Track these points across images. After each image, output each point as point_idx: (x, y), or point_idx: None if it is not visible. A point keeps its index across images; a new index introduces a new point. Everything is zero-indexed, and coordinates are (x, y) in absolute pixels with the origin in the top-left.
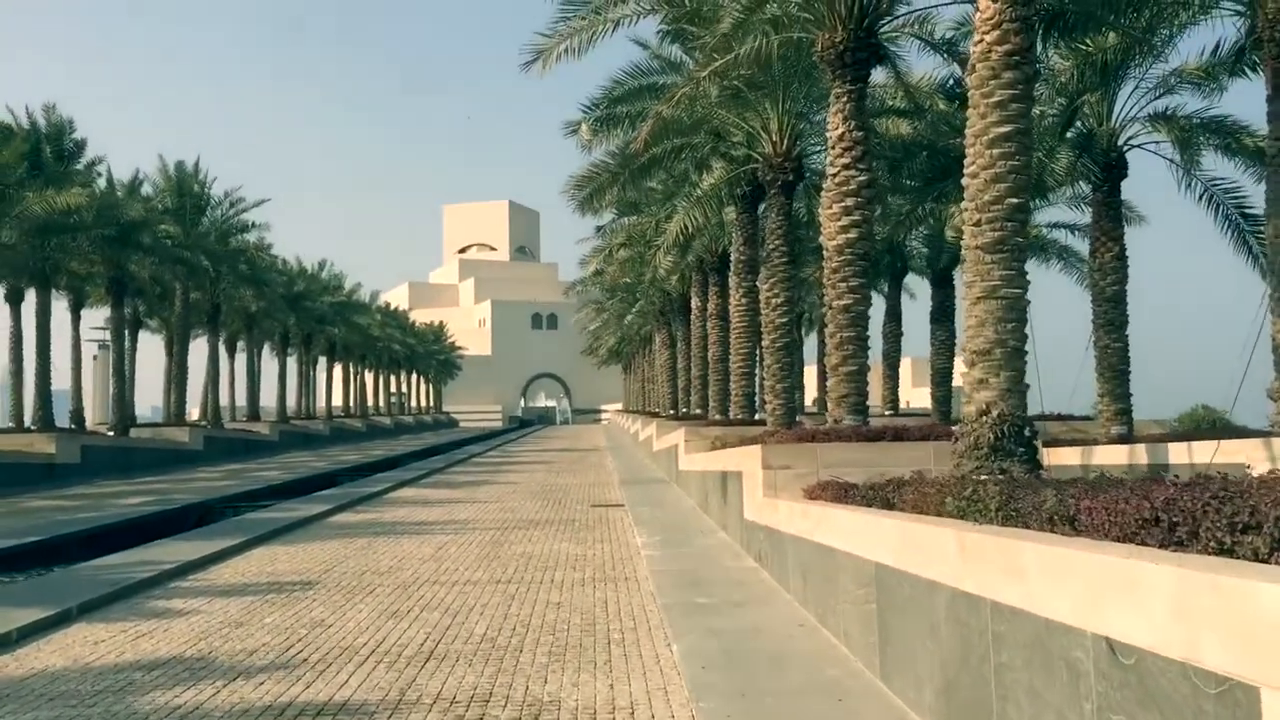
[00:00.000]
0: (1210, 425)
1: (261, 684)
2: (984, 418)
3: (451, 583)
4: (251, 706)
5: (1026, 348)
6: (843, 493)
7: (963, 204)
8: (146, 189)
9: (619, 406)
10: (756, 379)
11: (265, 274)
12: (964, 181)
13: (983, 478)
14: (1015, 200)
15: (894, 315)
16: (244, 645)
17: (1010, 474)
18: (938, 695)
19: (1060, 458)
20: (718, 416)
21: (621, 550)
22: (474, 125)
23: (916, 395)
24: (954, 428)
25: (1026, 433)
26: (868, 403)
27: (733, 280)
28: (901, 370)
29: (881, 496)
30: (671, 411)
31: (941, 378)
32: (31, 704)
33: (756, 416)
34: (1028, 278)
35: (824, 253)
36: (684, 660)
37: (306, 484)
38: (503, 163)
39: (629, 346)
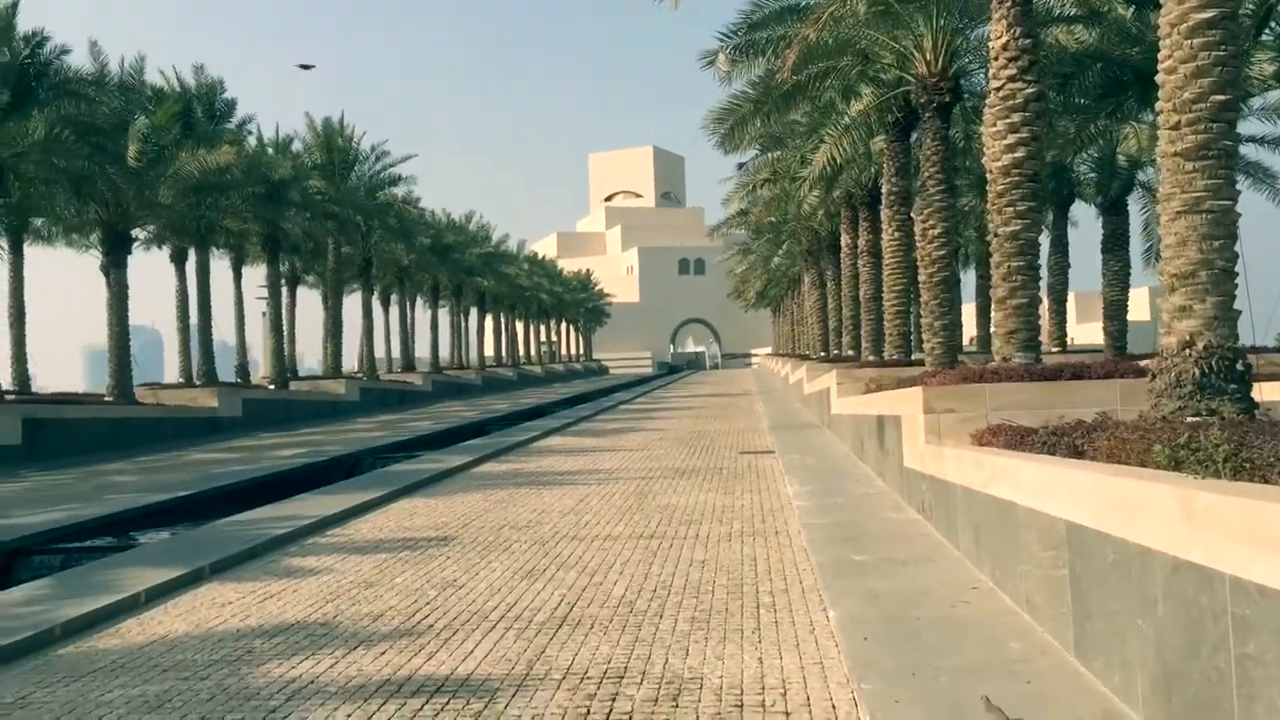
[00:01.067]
0: None
1: (382, 654)
2: (1188, 350)
3: (591, 538)
4: (369, 681)
5: (1238, 269)
6: (1018, 438)
7: (1157, 105)
8: (296, 146)
9: (768, 350)
10: (912, 317)
11: (413, 227)
12: (1159, 79)
13: (1190, 418)
14: (1221, 97)
15: (1060, 246)
16: (371, 608)
17: (1221, 415)
18: (1155, 686)
19: (1266, 394)
20: (871, 358)
21: (771, 501)
22: (619, 70)
23: (1082, 331)
24: (1145, 363)
25: (1239, 367)
26: (1038, 337)
27: (885, 214)
28: (1067, 305)
29: (1067, 443)
30: (822, 354)
31: (1115, 311)
32: (143, 675)
33: (913, 357)
34: (1238, 187)
35: (988, 175)
36: (842, 630)
37: (455, 434)
38: (648, 108)
39: (777, 289)
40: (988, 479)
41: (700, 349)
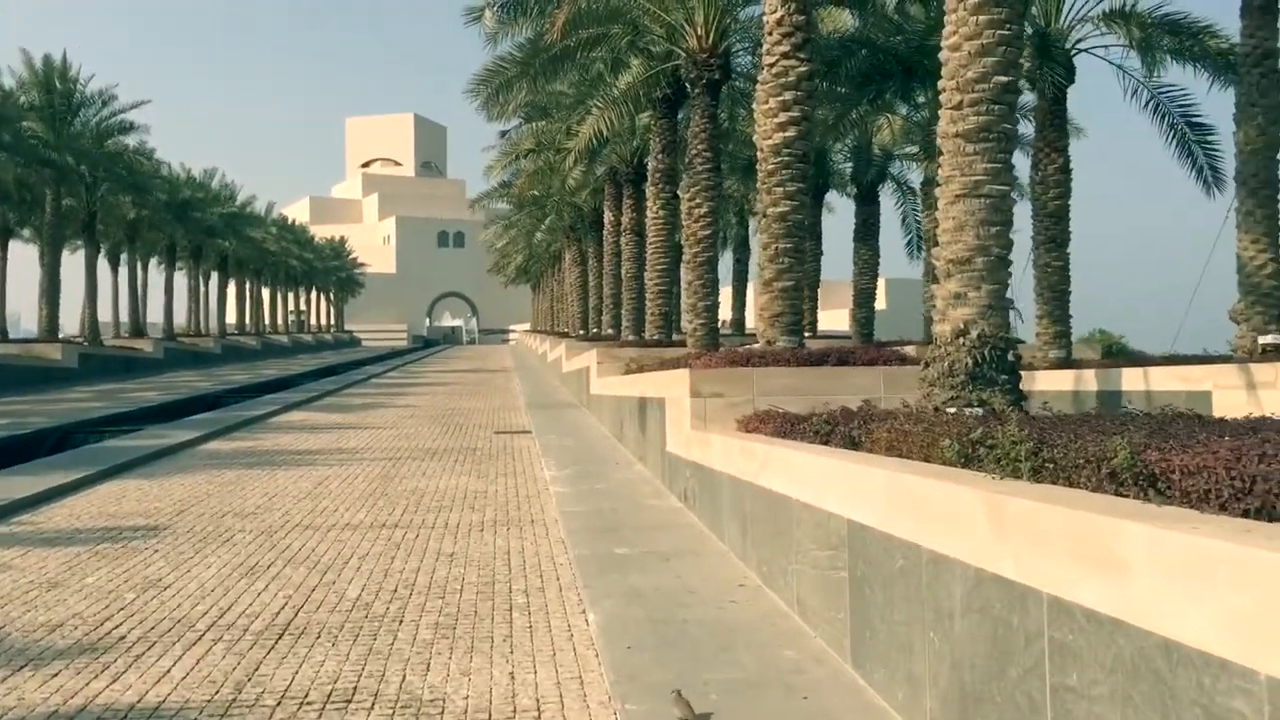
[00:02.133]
0: (1112, 350)
1: (54, 676)
2: (961, 339)
3: (327, 527)
4: (29, 714)
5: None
6: (788, 426)
7: (939, 84)
8: (7, 82)
9: (527, 327)
10: (673, 298)
11: (146, 180)
12: (942, 56)
13: (966, 409)
14: (1004, 79)
15: (814, 234)
16: (49, 616)
17: (991, 407)
18: (946, 706)
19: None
20: (631, 337)
21: (528, 485)
22: (380, 27)
23: (827, 318)
24: (906, 349)
25: (1010, 358)
26: (802, 322)
27: (650, 191)
28: (818, 292)
29: (843, 433)
30: (581, 332)
31: (864, 299)
32: None
33: (673, 338)
34: (1015, 173)
35: (758, 155)
36: (603, 637)
37: (185, 406)
38: (409, 75)
39: (538, 265)
40: (758, 469)
41: (458, 323)
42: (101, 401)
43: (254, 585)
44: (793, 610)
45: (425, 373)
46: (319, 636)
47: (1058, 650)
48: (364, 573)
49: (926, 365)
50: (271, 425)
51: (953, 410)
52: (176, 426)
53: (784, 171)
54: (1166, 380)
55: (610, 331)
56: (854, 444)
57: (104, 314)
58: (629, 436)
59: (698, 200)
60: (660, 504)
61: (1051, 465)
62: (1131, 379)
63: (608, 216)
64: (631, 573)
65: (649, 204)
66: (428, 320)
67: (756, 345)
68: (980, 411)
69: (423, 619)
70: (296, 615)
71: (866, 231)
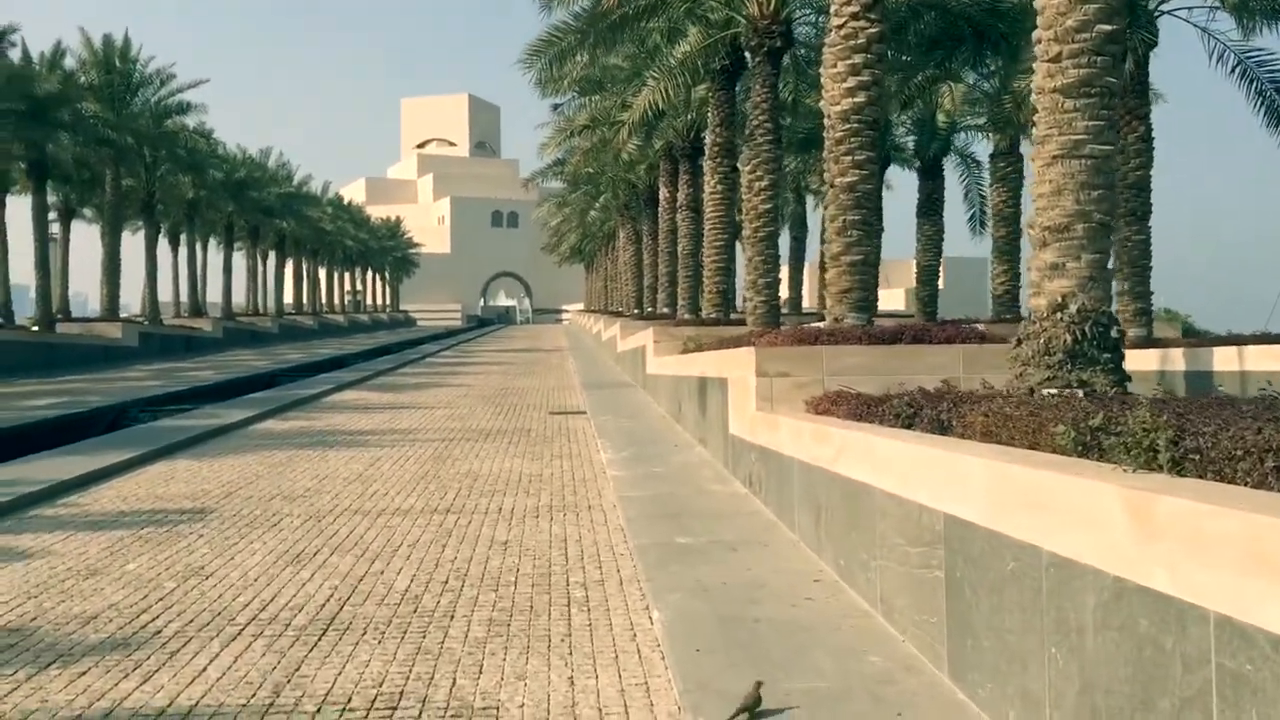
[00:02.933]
0: (1190, 330)
1: (82, 675)
2: (1059, 314)
3: (378, 512)
4: (52, 718)
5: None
6: (864, 408)
7: (1034, 35)
8: (69, 62)
9: (580, 306)
10: (730, 275)
11: (204, 160)
12: (1038, 3)
13: (1063, 392)
14: (1107, 27)
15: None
16: (85, 607)
17: (1092, 388)
18: None
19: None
20: (688, 316)
21: (584, 468)
22: (436, 15)
23: (885, 297)
24: (978, 326)
25: (1114, 334)
26: (873, 299)
27: (708, 166)
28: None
29: (930, 416)
30: (636, 311)
31: (928, 276)
32: None
33: (731, 316)
34: (1119, 131)
35: (825, 122)
36: (670, 637)
37: (240, 385)
38: (463, 58)
39: (591, 244)
40: (834, 455)
41: (511, 303)
42: (159, 380)
43: (299, 575)
44: (875, 609)
45: (479, 352)
46: (364, 633)
47: (1229, 682)
48: (413, 562)
49: (1019, 343)
50: (325, 405)
51: (1051, 392)
52: (230, 405)
53: (853, 139)
54: (1262, 360)
55: (665, 310)
56: (943, 428)
57: (164, 294)
58: (688, 417)
59: (759, 173)
60: (723, 489)
61: (1197, 456)
62: (1224, 359)
63: (663, 193)
64: (696, 564)
65: (706, 179)
66: (482, 300)
67: (822, 323)
68: (1080, 393)
69: (475, 614)
70: (342, 609)
71: (930, 207)
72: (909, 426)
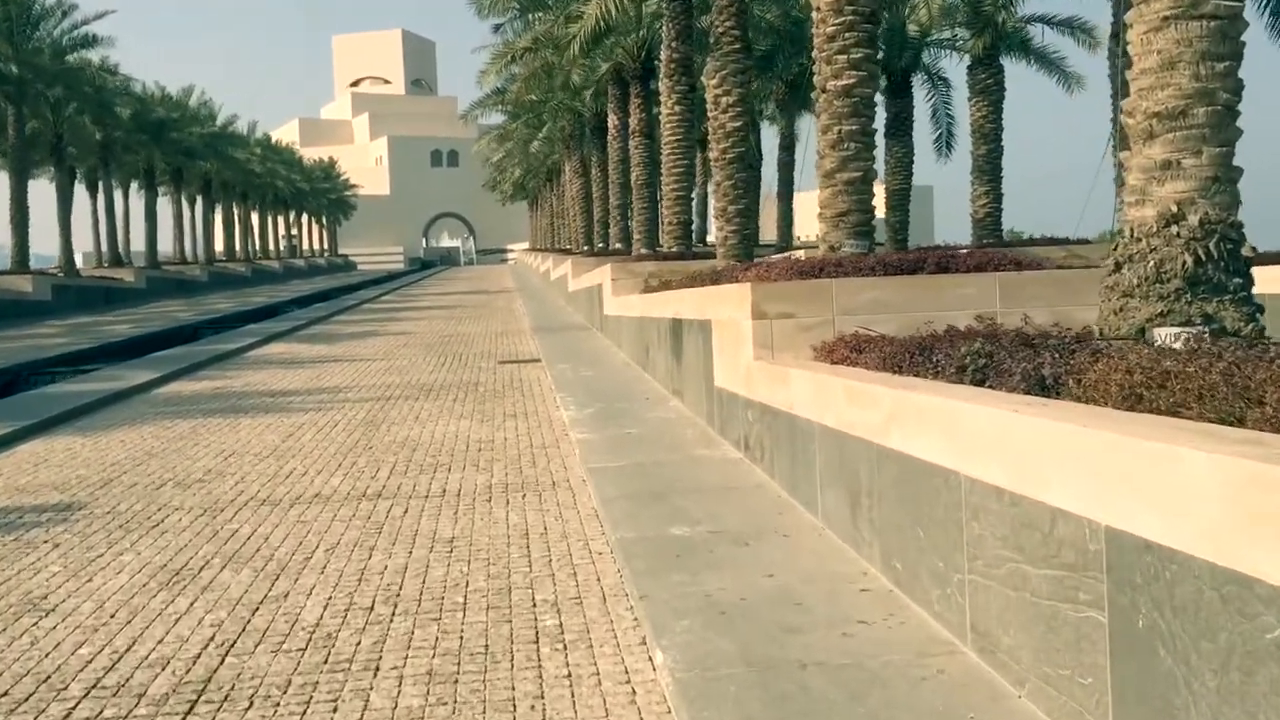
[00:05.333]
0: None
1: None
2: (1175, 228)
3: (291, 500)
4: None
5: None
6: (902, 355)
7: None
8: None
9: (526, 245)
10: (691, 205)
11: (111, 98)
12: None
13: (1184, 329)
14: None
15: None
16: None
17: (1222, 325)
18: None
19: None
20: (645, 251)
21: (543, 430)
22: None
23: None
24: (1011, 252)
25: (1244, 253)
26: (873, 223)
27: (664, 85)
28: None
29: (1026, 371)
30: (586, 248)
31: (898, 200)
32: None
33: (693, 250)
34: None
35: (814, 14)
36: (686, 701)
37: (157, 340)
38: None
39: (536, 179)
40: (884, 422)
41: (455, 244)
42: (67, 337)
43: (173, 605)
44: (962, 641)
45: (421, 295)
46: (250, 706)
47: None
48: (330, 577)
49: (1117, 268)
50: (247, 360)
51: (1171, 331)
52: (139, 365)
53: (848, 35)
54: None
55: (619, 246)
56: (1044, 387)
57: (88, 244)
58: (659, 365)
59: (726, 87)
60: (714, 454)
61: None
62: None
63: (612, 120)
64: (701, 569)
65: (663, 99)
66: (424, 242)
67: (802, 253)
68: (1206, 332)
69: (409, 665)
70: (223, 662)
71: (899, 126)
72: (981, 382)
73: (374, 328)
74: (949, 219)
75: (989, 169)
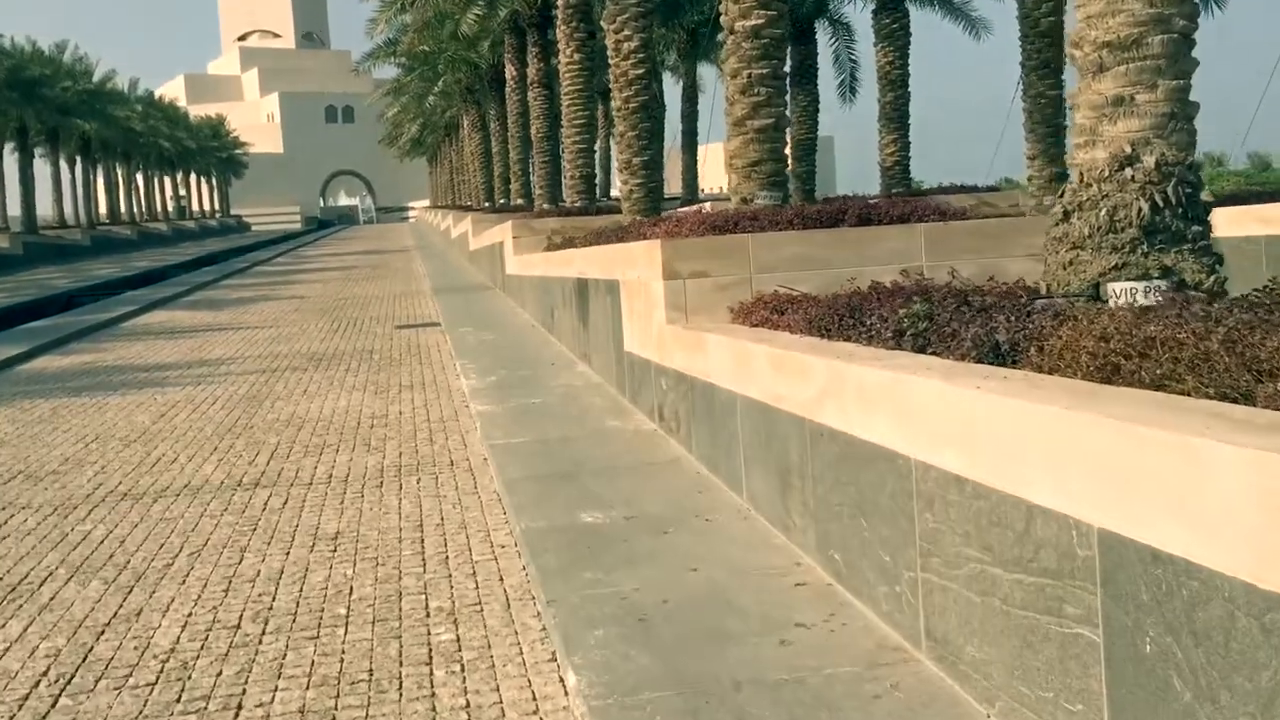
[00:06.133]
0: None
1: None
2: (1128, 170)
3: (156, 493)
4: None
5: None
6: (829, 317)
7: None
8: None
9: (427, 203)
10: (593, 158)
11: None
12: None
13: (1141, 284)
14: None
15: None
16: None
17: (1180, 278)
18: None
19: None
20: (547, 206)
21: (441, 402)
22: None
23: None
24: (933, 201)
25: (1204, 197)
26: (786, 173)
27: (562, 33)
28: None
29: (978, 336)
30: (488, 204)
31: (805, 151)
32: None
33: (597, 205)
34: None
35: None
36: None
37: (26, 310)
38: None
39: (433, 134)
40: (818, 397)
41: (354, 202)
42: None
43: (3, 632)
44: (915, 645)
45: (317, 256)
46: None
47: None
48: (191, 589)
49: (1065, 216)
50: (123, 331)
51: (1126, 286)
52: (1, 340)
53: None
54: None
55: (520, 202)
56: (999, 354)
57: None
58: (564, 328)
59: (626, 32)
60: (626, 426)
61: None
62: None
63: (509, 71)
64: (617, 564)
65: (561, 48)
66: (321, 201)
67: (708, 206)
68: (1162, 286)
69: (278, 701)
70: (54, 706)
71: (804, 74)
72: (922, 349)
73: (264, 292)
74: (849, 171)
75: (896, 116)
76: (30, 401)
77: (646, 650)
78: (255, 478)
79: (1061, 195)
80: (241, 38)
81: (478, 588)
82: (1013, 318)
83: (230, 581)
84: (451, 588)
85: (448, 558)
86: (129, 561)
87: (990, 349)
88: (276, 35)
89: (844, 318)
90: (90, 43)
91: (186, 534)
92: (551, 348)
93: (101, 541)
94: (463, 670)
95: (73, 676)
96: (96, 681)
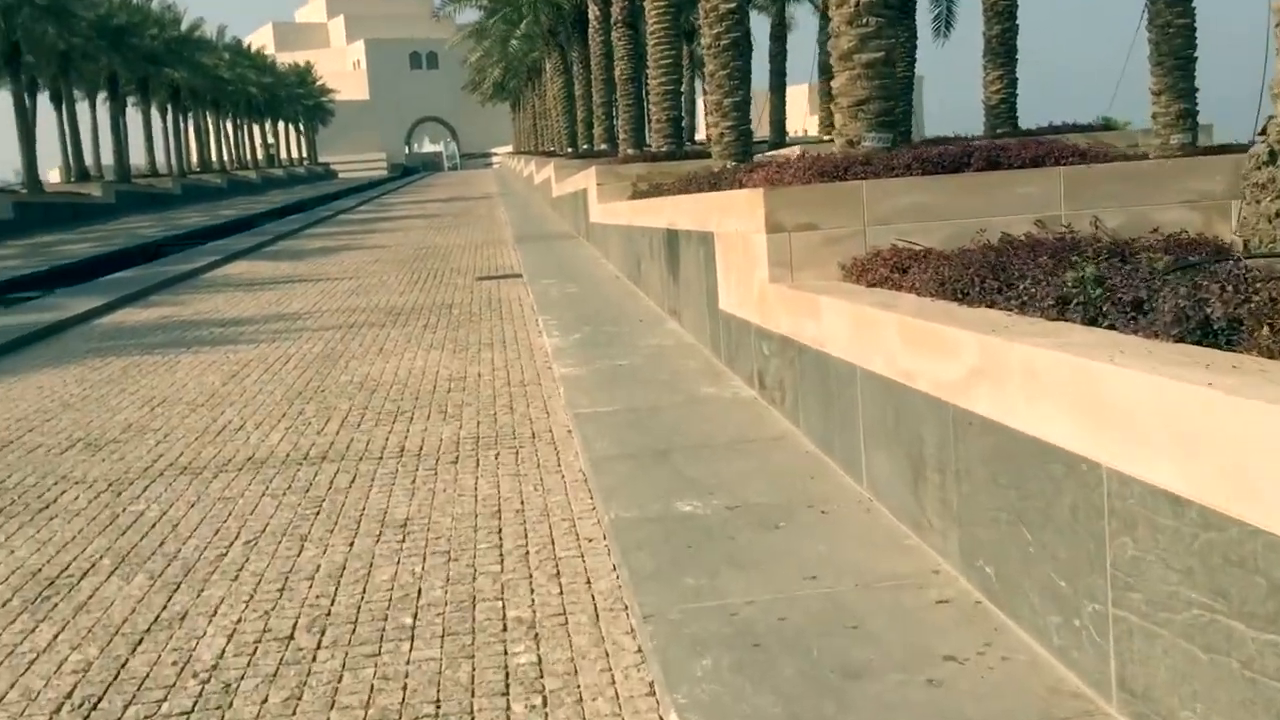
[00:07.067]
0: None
1: None
2: None
3: (219, 466)
4: None
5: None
6: (969, 278)
7: None
8: None
9: (510, 149)
10: (680, 101)
11: (70, 2)
12: None
13: None
14: None
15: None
16: None
17: None
18: None
19: None
20: (631, 151)
21: (523, 363)
22: None
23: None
24: (1067, 140)
25: None
26: (900, 113)
27: None
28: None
29: (1180, 309)
30: (570, 149)
31: (902, 90)
32: None
33: (685, 149)
34: None
35: None
36: None
37: (115, 259)
38: None
39: (516, 78)
40: (968, 378)
41: (438, 149)
42: (20, 259)
43: (30, 640)
44: (1103, 696)
45: (400, 204)
46: None
47: None
48: (243, 587)
49: (1272, 158)
50: (203, 283)
51: None
52: (86, 291)
53: None
54: None
55: (604, 147)
56: (1208, 330)
57: (60, 159)
58: (651, 282)
59: None
60: (722, 394)
61: None
62: None
63: (592, 11)
64: (721, 567)
65: None
66: (406, 148)
67: (796, 150)
68: None
69: None
70: None
71: (902, 8)
72: (1094, 321)
73: (345, 242)
74: (936, 111)
75: (1003, 51)
76: (102, 360)
77: (765, 687)
78: (323, 450)
79: (1263, 132)
80: None
81: (562, 593)
82: (1229, 286)
83: (287, 579)
84: (532, 592)
85: (528, 553)
86: (179, 551)
87: (1197, 325)
88: None
89: (985, 279)
90: None
91: (245, 517)
92: (638, 302)
93: (153, 525)
94: (545, 703)
95: (100, 700)
96: (126, 707)
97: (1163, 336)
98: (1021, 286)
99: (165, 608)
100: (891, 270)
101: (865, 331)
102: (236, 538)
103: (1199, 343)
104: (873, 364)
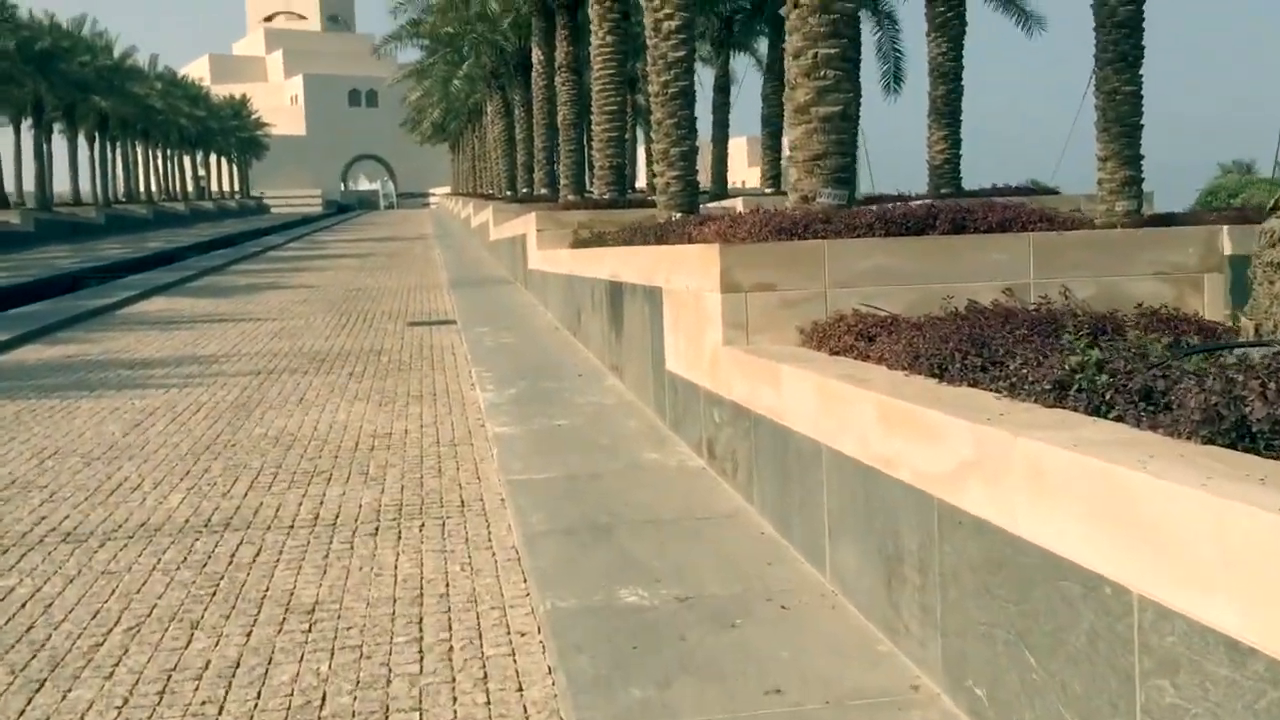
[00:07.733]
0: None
1: None
2: None
3: (105, 534)
4: None
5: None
6: (949, 353)
7: None
8: None
9: (448, 190)
10: (625, 148)
11: None
12: None
13: None
14: None
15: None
16: None
17: None
18: None
19: None
20: (573, 197)
21: (453, 419)
22: None
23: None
24: (1030, 203)
25: None
26: (854, 168)
27: (594, 13)
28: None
29: (1208, 405)
30: (509, 193)
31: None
32: None
33: (628, 198)
34: None
35: None
36: None
37: (25, 292)
38: None
39: (456, 120)
40: (958, 471)
41: (374, 187)
42: None
43: None
44: None
45: (333, 242)
46: None
47: None
48: (117, 688)
49: None
50: (117, 319)
51: None
52: None
53: None
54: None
55: (544, 192)
56: (1243, 436)
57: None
58: (592, 334)
59: (668, 10)
60: (667, 461)
61: None
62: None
63: (536, 55)
64: (673, 676)
65: (593, 29)
66: (342, 185)
67: (740, 203)
68: None
69: None
70: None
71: None
72: (1098, 410)
73: (273, 279)
74: (879, 169)
75: (948, 111)
76: None
77: None
78: (227, 516)
79: (1275, 207)
80: (268, 18)
81: (489, 702)
82: (1272, 383)
83: (169, 678)
84: (455, 700)
85: (452, 649)
86: (49, 639)
87: (1232, 426)
88: (302, 17)
89: (966, 355)
90: (116, 22)
91: (129, 597)
92: (577, 355)
93: (23, 605)
94: None
95: None
96: None
97: (1190, 436)
98: (1011, 366)
99: (22, 714)
100: (856, 338)
101: (834, 407)
102: (117, 623)
103: (1232, 445)
104: (842, 444)
